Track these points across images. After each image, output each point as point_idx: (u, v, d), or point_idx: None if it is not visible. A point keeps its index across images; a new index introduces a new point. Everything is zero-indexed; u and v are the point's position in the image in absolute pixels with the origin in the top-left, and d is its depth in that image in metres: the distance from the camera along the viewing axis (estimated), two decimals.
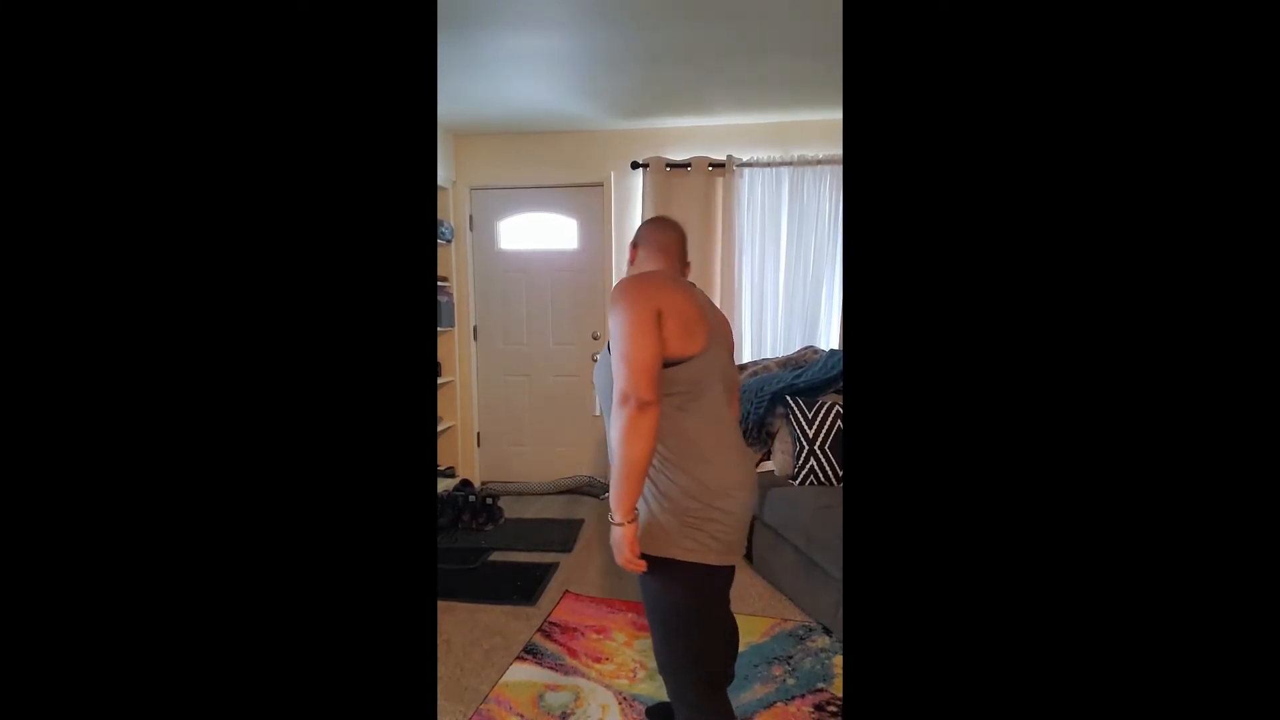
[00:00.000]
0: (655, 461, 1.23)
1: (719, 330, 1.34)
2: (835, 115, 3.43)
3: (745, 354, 3.70)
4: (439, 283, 3.72)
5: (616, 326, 1.19)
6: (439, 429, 3.84)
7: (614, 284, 1.42)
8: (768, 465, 2.90)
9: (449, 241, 3.77)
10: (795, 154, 3.51)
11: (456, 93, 3.02)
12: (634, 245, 1.44)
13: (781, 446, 2.83)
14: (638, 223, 3.72)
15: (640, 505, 1.24)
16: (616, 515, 1.19)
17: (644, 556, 1.22)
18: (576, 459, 4.02)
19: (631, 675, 2.06)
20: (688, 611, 1.24)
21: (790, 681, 2.02)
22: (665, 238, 1.42)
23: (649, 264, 1.40)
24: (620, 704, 1.92)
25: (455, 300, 3.90)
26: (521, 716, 1.87)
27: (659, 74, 2.80)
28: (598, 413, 3.93)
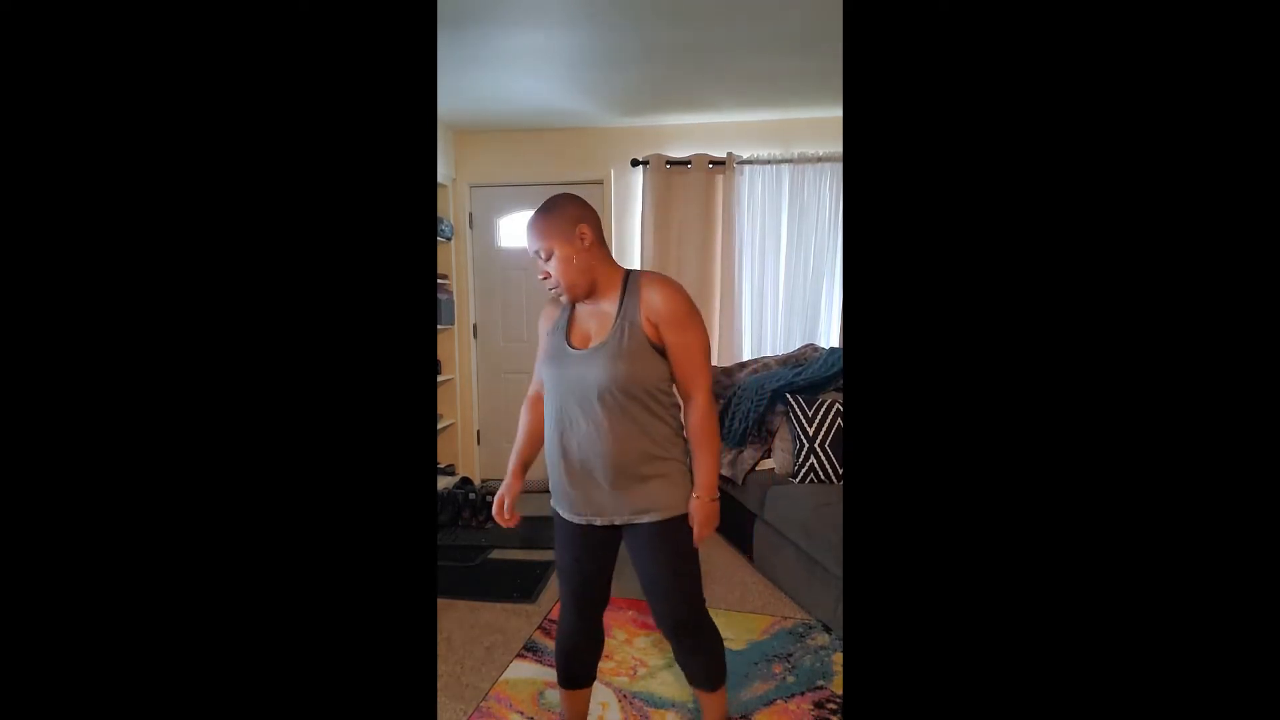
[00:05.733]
0: (676, 438, 1.41)
1: None
2: (836, 113, 3.43)
3: (745, 352, 3.69)
4: (439, 280, 3.72)
5: (697, 332, 1.36)
6: (439, 427, 3.84)
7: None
8: (768, 463, 2.90)
9: (449, 239, 3.77)
10: (796, 151, 3.51)
11: (456, 89, 3.02)
12: (586, 226, 1.36)
13: (782, 444, 2.83)
14: (638, 220, 3.72)
15: (668, 471, 1.40)
16: (714, 491, 1.40)
17: (676, 518, 1.39)
18: None
19: (631, 673, 2.06)
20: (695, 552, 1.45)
21: (790, 679, 2.02)
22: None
23: (601, 245, 1.39)
24: (620, 701, 1.92)
25: (455, 298, 3.89)
26: (522, 714, 1.88)
27: (659, 71, 2.80)
28: None
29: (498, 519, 1.52)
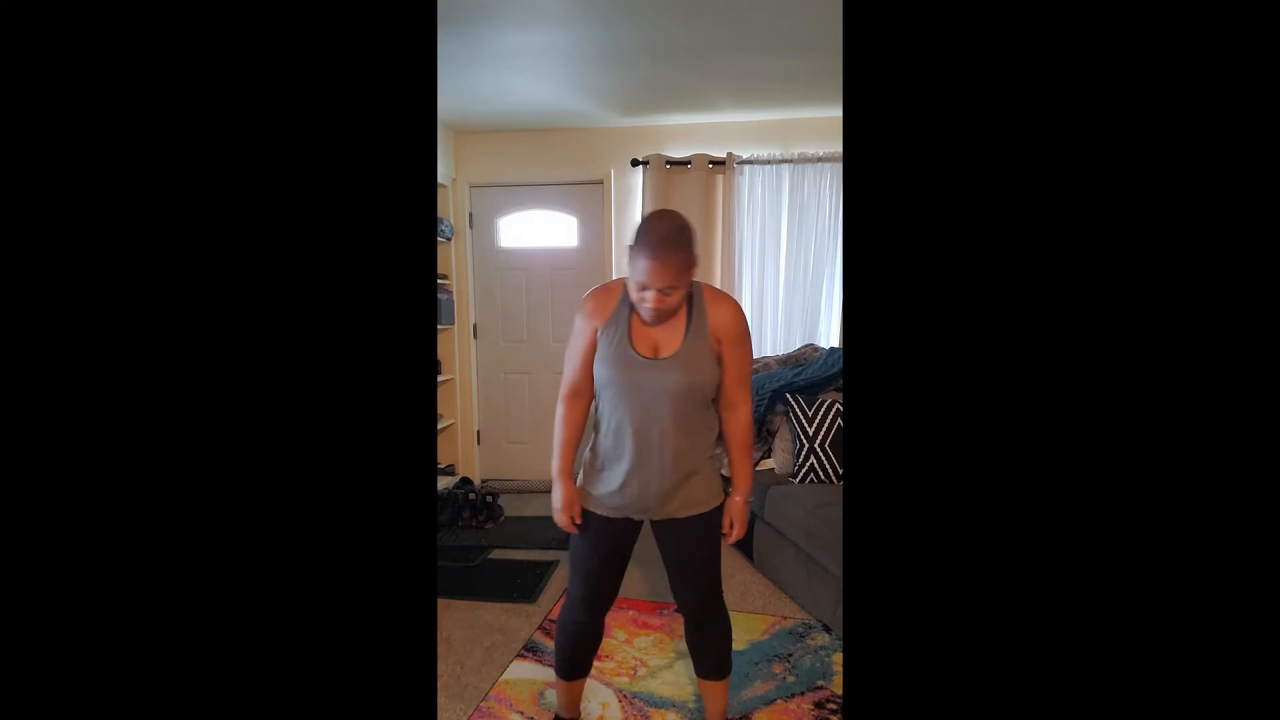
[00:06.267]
0: (713, 438, 1.51)
1: None
2: (836, 112, 3.42)
3: None
4: (439, 280, 3.72)
5: (749, 348, 1.48)
6: (439, 427, 3.84)
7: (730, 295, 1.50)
8: (768, 463, 2.90)
9: (449, 239, 3.77)
10: (796, 151, 3.51)
11: (456, 89, 3.01)
12: (695, 257, 1.36)
13: (781, 444, 2.83)
14: (637, 220, 3.69)
15: (705, 469, 1.50)
16: (750, 494, 1.54)
17: (711, 511, 1.51)
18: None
19: (631, 673, 2.06)
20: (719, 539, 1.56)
21: (790, 679, 2.02)
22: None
23: None
24: (620, 701, 1.92)
25: (455, 298, 3.89)
26: (522, 714, 1.88)
27: (659, 71, 2.80)
28: None
29: (567, 529, 1.54)
